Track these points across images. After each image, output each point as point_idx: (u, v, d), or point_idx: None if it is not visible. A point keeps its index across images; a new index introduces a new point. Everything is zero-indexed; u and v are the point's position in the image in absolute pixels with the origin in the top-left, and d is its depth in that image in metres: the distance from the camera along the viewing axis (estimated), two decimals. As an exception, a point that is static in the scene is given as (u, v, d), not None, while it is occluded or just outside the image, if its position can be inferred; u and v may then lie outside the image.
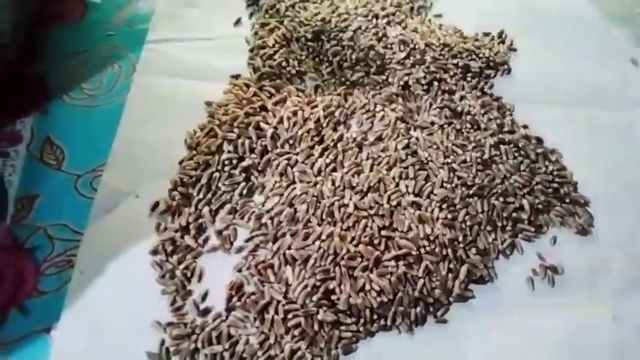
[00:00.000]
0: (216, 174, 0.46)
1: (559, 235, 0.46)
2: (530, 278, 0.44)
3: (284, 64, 0.54)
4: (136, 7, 0.59)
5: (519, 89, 0.56)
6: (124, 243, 0.42)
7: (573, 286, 0.44)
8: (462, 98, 0.53)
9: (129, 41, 0.56)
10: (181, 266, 0.41)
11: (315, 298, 0.40)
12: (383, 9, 0.59)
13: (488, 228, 0.45)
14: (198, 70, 0.54)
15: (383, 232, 0.43)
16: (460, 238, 0.44)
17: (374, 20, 0.57)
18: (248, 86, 0.52)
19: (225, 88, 0.52)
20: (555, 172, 0.49)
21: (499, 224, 0.46)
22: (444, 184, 0.47)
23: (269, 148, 0.48)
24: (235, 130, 0.47)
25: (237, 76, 0.53)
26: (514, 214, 0.46)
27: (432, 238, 0.43)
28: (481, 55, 0.57)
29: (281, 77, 0.53)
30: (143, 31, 0.56)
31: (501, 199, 0.47)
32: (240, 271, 0.42)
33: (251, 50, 0.55)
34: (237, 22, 0.59)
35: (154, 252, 0.42)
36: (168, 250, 0.42)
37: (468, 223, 0.45)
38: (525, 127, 0.53)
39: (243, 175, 0.46)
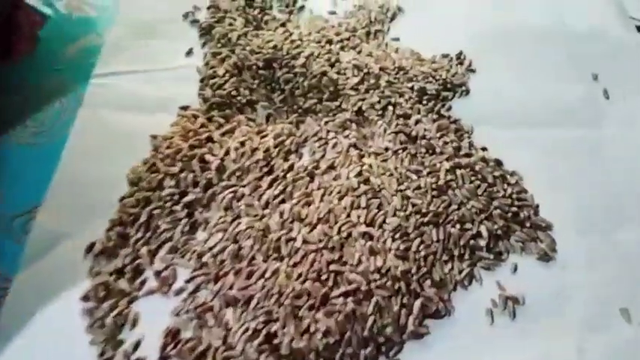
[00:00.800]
0: (157, 211, 0.43)
1: (520, 261, 0.43)
2: (490, 310, 0.41)
3: (234, 93, 0.51)
4: (86, 41, 0.57)
5: (478, 111, 0.54)
6: (55, 290, 0.39)
7: (536, 316, 0.41)
8: (417, 122, 0.51)
9: (77, 75, 0.54)
10: (113, 313, 0.38)
11: (256, 342, 0.37)
12: (337, 34, 0.58)
13: (444, 257, 0.42)
14: (146, 103, 0.52)
15: (332, 267, 0.40)
16: (414, 270, 0.41)
17: (327, 46, 0.55)
18: (196, 117, 0.50)
19: (173, 120, 0.50)
20: (515, 196, 0.46)
21: (456, 253, 0.43)
22: (397, 213, 0.44)
23: (214, 182, 0.45)
24: (178, 163, 0.45)
25: (186, 108, 0.51)
26: (472, 242, 0.43)
27: (383, 270, 0.40)
28: (438, 77, 0.55)
29: (231, 107, 0.51)
30: (92, 65, 0.54)
31: (458, 226, 0.44)
32: (178, 315, 0.39)
33: (202, 80, 0.53)
34: (189, 52, 0.57)
35: (85, 298, 0.39)
36: (100, 295, 0.39)
37: (423, 253, 0.42)
38: (484, 149, 0.50)
39: (186, 211, 0.43)
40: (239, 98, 0.51)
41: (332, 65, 0.54)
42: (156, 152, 0.47)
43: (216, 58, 0.55)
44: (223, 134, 0.48)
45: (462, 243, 0.43)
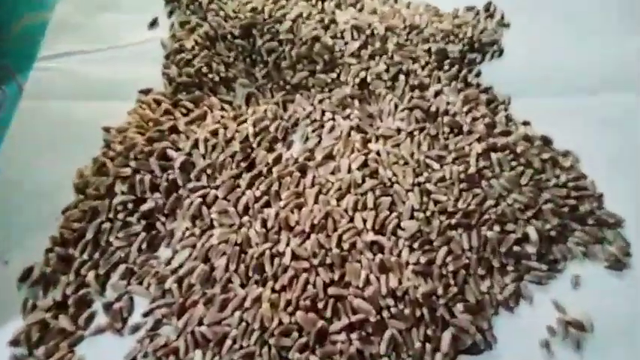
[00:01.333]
0: (107, 224, 0.35)
1: (583, 272, 0.34)
2: (546, 341, 0.31)
3: (205, 69, 0.43)
4: (30, 18, 0.49)
5: (515, 76, 0.44)
6: (-21, 331, 0.32)
7: (607, 347, 0.31)
8: (437, 94, 0.41)
9: (17, 59, 0.45)
10: (50, 361, 0.30)
11: (230, 398, 0.29)
12: (333, -11, 0.48)
13: (481, 271, 0.33)
14: (101, 88, 0.44)
15: (331, 291, 0.32)
16: (440, 291, 0.32)
17: (319, 4, 0.46)
18: (159, 103, 0.41)
19: (132, 107, 0.42)
20: (571, 184, 0.36)
21: (495, 264, 0.33)
22: (415, 214, 0.35)
23: (179, 183, 0.36)
24: (131, 162, 0.36)
25: (146, 91, 0.42)
26: (516, 248, 0.34)
27: (399, 293, 0.32)
28: (462, 36, 0.44)
29: (202, 87, 0.42)
30: (37, 46, 0.46)
31: (497, 228, 0.34)
32: (133, 360, 0.31)
33: (167, 57, 0.44)
34: (153, 23, 0.48)
35: (15, 343, 0.31)
36: (34, 338, 0.31)
37: (451, 267, 0.33)
38: (526, 123, 0.40)
39: (143, 222, 0.35)
40: (211, 76, 0.42)
41: (326, 28, 0.44)
42: (108, 149, 0.38)
43: (184, 28, 0.46)
44: (191, 122, 0.40)
45: (503, 250, 0.34)
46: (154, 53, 0.45)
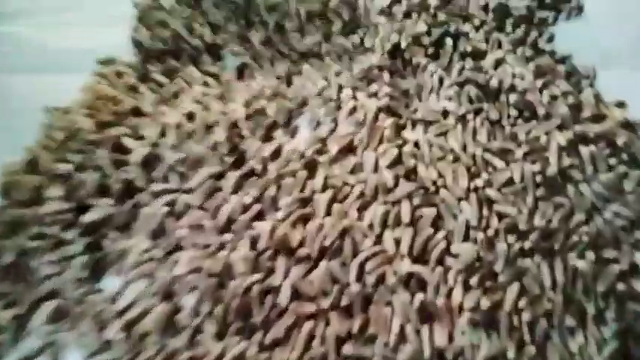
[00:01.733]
0: (33, 243, 0.25)
1: None
2: None
3: (185, 33, 0.33)
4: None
5: (600, 41, 0.34)
6: None
7: None
8: (497, 64, 0.31)
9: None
10: None
11: None
12: None
13: (570, 321, 0.23)
14: (49, 58, 0.36)
15: (347, 349, 0.22)
16: (511, 353, 0.22)
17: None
18: (121, 76, 0.32)
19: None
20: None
21: (591, 311, 0.23)
22: (472, 233, 0.25)
23: (137, 185, 0.27)
24: (73, 156, 0.27)
25: (108, 62, 0.33)
26: (621, 287, 0.23)
27: (449, 357, 0.21)
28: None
29: (179, 56, 0.33)
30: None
31: (591, 255, 0.24)
32: None
33: (139, 18, 0.35)
34: (123, -24, 0.38)
35: None
36: None
37: (526, 316, 0.22)
38: (621, 105, 0.29)
39: (85, 240, 0.26)
40: (193, 41, 0.33)
41: (346, -24, 0.34)
42: (49, 139, 0.29)
43: (161, -20, 0.36)
44: (161, 102, 0.30)
45: (601, 289, 0.23)
46: (120, 15, 0.36)
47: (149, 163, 0.28)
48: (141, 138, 0.28)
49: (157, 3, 0.35)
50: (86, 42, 0.36)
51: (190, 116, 0.29)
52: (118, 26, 0.36)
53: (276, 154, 0.29)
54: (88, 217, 0.26)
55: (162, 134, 0.28)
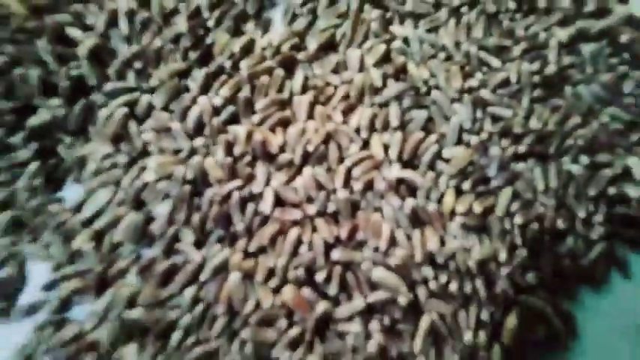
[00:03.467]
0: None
1: None
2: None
3: None
4: None
5: None
6: None
7: None
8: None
9: None
10: None
11: None
12: None
13: (561, 225, 0.24)
14: None
15: (336, 255, 0.23)
16: (502, 255, 0.23)
17: None
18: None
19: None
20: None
21: (581, 214, 0.25)
22: (465, 137, 0.25)
23: (89, 83, 0.25)
24: (6, 47, 0.25)
25: None
26: (612, 190, 0.25)
27: (440, 260, 0.23)
28: None
29: None
30: None
31: (585, 158, 0.25)
32: (29, 358, 0.22)
33: None
34: None
35: None
36: None
37: (518, 219, 0.24)
38: (624, 1, 0.30)
39: (34, 145, 0.24)
40: None
41: None
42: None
43: None
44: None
45: (592, 193, 0.25)
46: None
47: (100, 57, 0.26)
48: (88, 28, 0.26)
49: None
50: None
51: (144, 1, 0.27)
52: None
53: (247, 49, 0.28)
54: (34, 120, 0.25)
55: (113, 22, 0.27)
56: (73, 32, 0.26)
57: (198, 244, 0.24)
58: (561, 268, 0.25)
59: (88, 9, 0.27)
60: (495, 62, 0.28)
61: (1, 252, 0.24)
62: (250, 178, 0.25)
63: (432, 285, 0.23)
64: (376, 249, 0.24)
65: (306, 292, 0.23)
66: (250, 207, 0.25)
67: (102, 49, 0.26)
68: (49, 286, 0.24)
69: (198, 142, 0.26)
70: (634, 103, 0.27)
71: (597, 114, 0.27)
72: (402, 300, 0.23)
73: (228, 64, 0.27)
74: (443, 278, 0.24)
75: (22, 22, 0.25)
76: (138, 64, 0.26)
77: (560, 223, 0.25)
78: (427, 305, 0.23)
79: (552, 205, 0.26)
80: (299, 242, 0.24)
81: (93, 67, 0.26)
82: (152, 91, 0.26)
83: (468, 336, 0.23)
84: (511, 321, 0.24)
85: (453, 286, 0.23)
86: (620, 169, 0.26)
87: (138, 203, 0.25)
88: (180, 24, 0.27)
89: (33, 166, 0.25)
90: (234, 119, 0.26)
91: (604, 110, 0.27)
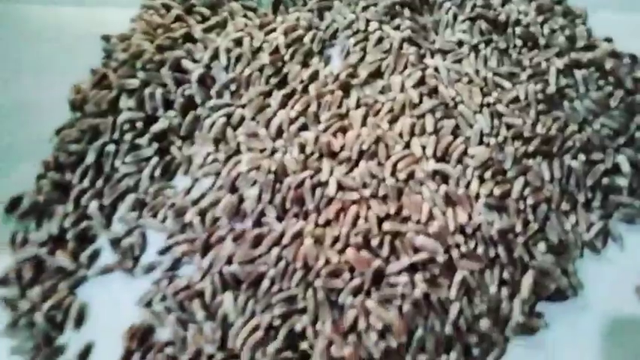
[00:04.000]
0: (111, 146, 0.31)
1: (683, 210, 0.30)
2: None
3: (224, -30, 0.38)
4: None
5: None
6: (-41, 269, 0.28)
7: None
8: (504, 2, 0.37)
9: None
10: (47, 304, 0.27)
11: (272, 348, 0.25)
12: None
13: (564, 206, 0.29)
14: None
15: (386, 226, 0.28)
16: (518, 227, 0.28)
17: None
18: (168, 8, 0.36)
19: (136, 13, 0.37)
20: (669, 108, 0.33)
21: (581, 199, 0.30)
22: (485, 139, 0.31)
23: (197, 100, 0.32)
24: (139, 73, 0.32)
25: (153, -5, 0.38)
26: (605, 181, 0.30)
27: (469, 230, 0.28)
28: None
29: (219, -9, 0.38)
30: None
31: (582, 157, 0.31)
32: (148, 305, 0.27)
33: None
34: None
35: (3, 282, 0.28)
36: (26, 277, 0.28)
37: (530, 201, 0.29)
38: (609, 40, 0.36)
39: (156, 145, 0.31)
40: (233, -23, 0.38)
41: None
42: (109, 60, 0.34)
43: None
44: (209, 30, 0.35)
45: (589, 183, 0.30)
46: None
47: (205, 81, 0.33)
48: (196, 61, 0.34)
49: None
50: None
51: (237, 42, 0.34)
52: None
53: (313, 76, 0.34)
54: (156, 126, 0.32)
55: (215, 57, 0.34)
56: (186, 63, 0.33)
57: (279, 218, 0.30)
58: (567, 240, 0.30)
59: (197, 47, 0.34)
60: (507, 84, 0.33)
61: (129, 224, 0.30)
62: (318, 170, 0.31)
63: (463, 249, 0.28)
64: (418, 221, 0.29)
65: (364, 253, 0.29)
66: (319, 191, 0.30)
67: (206, 75, 0.33)
68: (164, 251, 0.29)
69: (279, 143, 0.31)
70: (619, 115, 0.33)
71: (590, 123, 0.32)
72: (440, 259, 0.28)
73: (299, 87, 0.34)
74: (471, 244, 0.29)
75: (151, 56, 0.32)
76: (233, 87, 0.33)
77: (565, 205, 0.31)
78: (459, 264, 0.27)
79: (557, 191, 0.31)
80: (357, 217, 0.29)
81: (200, 88, 0.33)
82: (243, 106, 0.32)
83: (493, 289, 0.28)
84: (527, 280, 0.28)
85: (480, 250, 0.28)
86: (610, 165, 0.31)
87: (233, 188, 0.30)
88: (264, 58, 0.34)
89: (154, 160, 0.31)
90: (304, 127, 0.32)
91: (595, 120, 0.33)
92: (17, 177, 0.31)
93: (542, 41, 0.34)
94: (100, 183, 0.30)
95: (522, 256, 0.28)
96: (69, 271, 0.28)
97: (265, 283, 0.27)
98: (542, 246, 0.28)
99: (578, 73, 0.33)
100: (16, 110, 0.33)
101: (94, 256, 0.29)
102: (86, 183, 0.30)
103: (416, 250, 0.28)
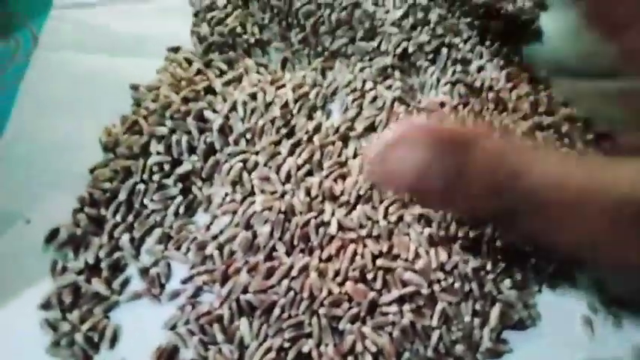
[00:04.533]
0: (141, 186, 0.34)
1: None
2: (588, 318, 0.33)
3: (240, 30, 0.41)
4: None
5: (553, 57, 0.44)
6: (4, 293, 0.31)
7: (649, 326, 0.33)
8: (480, 69, 0.41)
9: (31, 6, 0.43)
10: (85, 326, 0.30)
11: (281, 367, 0.29)
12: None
13: (528, 247, 0.34)
14: (123, 43, 0.42)
15: (379, 262, 0.32)
16: (489, 266, 0.32)
17: (360, -31, 0.45)
18: (190, 62, 0.40)
19: (160, 65, 0.40)
20: (612, 166, 0.38)
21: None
22: (463, 189, 0.35)
23: (217, 147, 0.36)
24: (168, 122, 0.35)
25: (176, 49, 0.41)
26: (560, 228, 0.35)
27: (448, 267, 0.32)
28: (503, 11, 0.45)
29: (236, 48, 0.41)
30: (50, -7, 0.44)
31: (542, 206, 0.35)
32: (173, 328, 0.30)
33: (196, 14, 0.43)
34: (179, -23, 0.46)
35: (46, 306, 0.30)
36: (66, 301, 0.30)
37: (499, 242, 0.33)
38: (566, 105, 0.41)
39: (180, 185, 0.34)
40: (245, 37, 0.41)
41: (367, -6, 0.44)
42: (138, 107, 0.37)
43: (214, -16, 0.44)
44: (227, 84, 0.39)
45: (547, 229, 0.35)
46: (180, 9, 0.44)
47: (224, 130, 0.36)
48: (215, 111, 0.37)
49: (213, 3, 0.43)
50: (152, 30, 0.43)
51: (253, 96, 0.38)
52: (178, 19, 0.43)
53: (317, 128, 0.38)
54: (181, 169, 0.35)
55: (233, 109, 0.37)
56: (208, 114, 0.36)
57: (288, 253, 0.33)
58: (529, 278, 0.35)
59: (217, 99, 0.37)
60: (481, 142, 0.39)
61: (156, 255, 0.33)
62: (321, 212, 0.35)
63: (443, 283, 0.32)
64: (406, 259, 0.33)
65: (361, 285, 0.32)
66: (322, 230, 0.34)
67: (225, 125, 0.36)
68: (187, 280, 0.32)
69: (288, 187, 0.35)
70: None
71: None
72: (424, 292, 0.31)
73: (305, 137, 0.37)
74: (450, 280, 0.33)
75: (178, 107, 0.36)
76: (248, 136, 0.36)
77: (528, 247, 0.35)
78: (440, 297, 0.32)
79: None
80: (355, 254, 0.33)
81: (220, 136, 0.36)
82: (257, 153, 0.36)
83: (467, 319, 0.32)
84: (495, 311, 0.32)
85: (457, 285, 0.32)
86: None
87: (248, 225, 0.34)
88: (275, 111, 0.37)
89: (178, 199, 0.34)
90: (310, 173, 0.36)
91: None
92: (55, 210, 0.33)
93: (510, 105, 0.39)
94: (130, 218, 0.33)
95: (491, 290, 0.32)
96: (103, 296, 0.31)
97: (277, 311, 0.30)
98: (507, 282, 0.33)
99: (540, 135, 0.38)
100: (53, 148, 0.36)
101: (125, 283, 0.32)
102: (118, 218, 0.33)
103: (404, 284, 0.32)
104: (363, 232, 0.33)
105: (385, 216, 0.34)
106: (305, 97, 0.39)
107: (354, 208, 0.34)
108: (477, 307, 0.32)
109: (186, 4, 0.44)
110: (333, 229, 0.33)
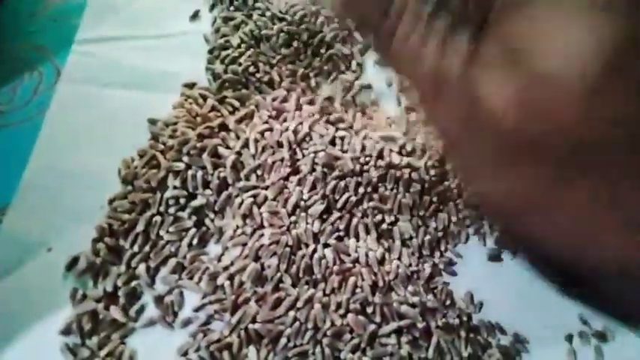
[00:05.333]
0: (157, 218, 0.34)
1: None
2: (573, 351, 0.34)
3: (252, 69, 0.43)
4: (66, -2, 0.47)
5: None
6: (27, 318, 0.31)
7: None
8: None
9: (54, 40, 0.44)
10: (103, 351, 0.30)
11: (287, 394, 0.29)
12: None
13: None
14: (141, 78, 0.43)
15: (378, 296, 0.33)
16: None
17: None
18: (205, 98, 0.41)
19: (176, 100, 0.41)
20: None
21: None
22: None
23: (229, 181, 0.36)
24: (184, 157, 0.36)
25: (191, 85, 0.42)
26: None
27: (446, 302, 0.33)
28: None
29: (248, 86, 0.42)
30: (73, 28, 0.45)
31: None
32: (185, 354, 0.31)
33: (210, 52, 0.44)
34: (195, 15, 0.47)
35: (66, 331, 0.31)
36: (86, 328, 0.31)
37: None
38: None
39: (194, 218, 0.35)
40: (258, 75, 0.42)
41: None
42: (155, 142, 0.38)
43: (228, 24, 0.45)
44: (239, 121, 0.40)
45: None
46: (195, 46, 0.45)
47: (236, 166, 0.37)
48: (229, 147, 0.38)
49: (227, 42, 0.45)
50: (168, 66, 0.43)
51: (263, 133, 0.39)
52: (193, 56, 0.44)
53: (320, 165, 0.40)
54: (195, 202, 0.35)
55: (245, 146, 0.38)
56: (222, 150, 0.37)
57: (294, 285, 0.35)
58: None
59: (230, 136, 0.38)
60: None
61: (170, 284, 0.34)
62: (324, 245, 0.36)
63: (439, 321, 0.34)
64: (399, 294, 0.35)
65: (361, 317, 0.33)
66: (324, 262, 0.35)
67: (237, 161, 0.37)
68: (199, 308, 0.33)
69: (293, 219, 0.37)
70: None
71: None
72: (420, 325, 0.33)
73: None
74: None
75: (194, 144, 0.37)
76: (259, 172, 0.38)
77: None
78: (435, 331, 0.33)
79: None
80: (355, 286, 0.35)
81: (232, 172, 0.37)
82: (266, 188, 0.37)
83: (465, 353, 0.33)
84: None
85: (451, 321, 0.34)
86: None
87: (257, 257, 0.35)
88: (284, 152, 0.39)
89: (192, 231, 0.34)
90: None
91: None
92: (75, 239, 0.34)
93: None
94: (147, 248, 0.34)
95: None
96: (120, 323, 0.31)
97: (283, 340, 0.31)
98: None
99: None
100: (74, 179, 0.37)
101: (141, 310, 0.32)
102: (136, 248, 0.33)
103: (400, 317, 0.33)
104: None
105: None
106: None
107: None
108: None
109: (198, 41, 0.45)
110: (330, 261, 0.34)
